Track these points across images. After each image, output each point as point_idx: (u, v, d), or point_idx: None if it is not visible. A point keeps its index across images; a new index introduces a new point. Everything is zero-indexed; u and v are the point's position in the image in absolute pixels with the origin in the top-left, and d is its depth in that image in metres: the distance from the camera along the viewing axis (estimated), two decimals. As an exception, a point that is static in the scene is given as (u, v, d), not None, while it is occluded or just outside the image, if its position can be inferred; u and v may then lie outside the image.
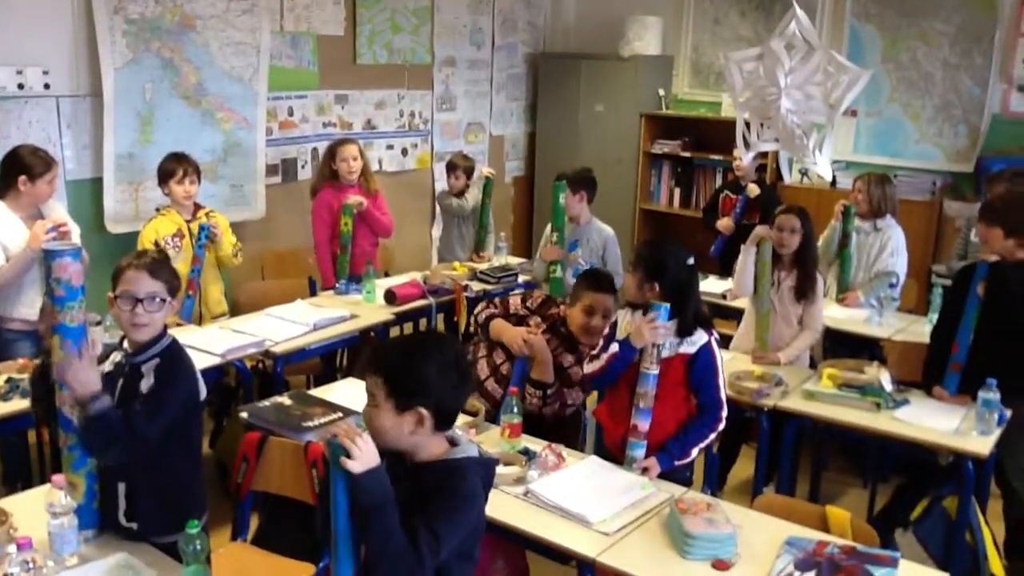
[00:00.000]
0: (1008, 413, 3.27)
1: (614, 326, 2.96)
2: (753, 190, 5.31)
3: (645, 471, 2.74)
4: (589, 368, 2.91)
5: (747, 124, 3.81)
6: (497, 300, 3.63)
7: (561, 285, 4.43)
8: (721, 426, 2.88)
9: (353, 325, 4.14)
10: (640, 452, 2.77)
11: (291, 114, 5.74)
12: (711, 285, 5.01)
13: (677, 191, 7.01)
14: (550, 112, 7.34)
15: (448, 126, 6.87)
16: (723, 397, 2.88)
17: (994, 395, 3.18)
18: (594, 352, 2.94)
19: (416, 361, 1.90)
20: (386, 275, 5.18)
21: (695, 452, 2.85)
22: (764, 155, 5.28)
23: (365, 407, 1.94)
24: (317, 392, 3.36)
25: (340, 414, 3.01)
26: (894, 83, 6.17)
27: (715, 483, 3.33)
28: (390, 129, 6.45)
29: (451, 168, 5.47)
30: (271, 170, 5.62)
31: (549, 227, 4.60)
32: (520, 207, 7.53)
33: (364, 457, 1.77)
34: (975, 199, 5.34)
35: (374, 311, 4.33)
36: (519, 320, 3.44)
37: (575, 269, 4.39)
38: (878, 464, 4.08)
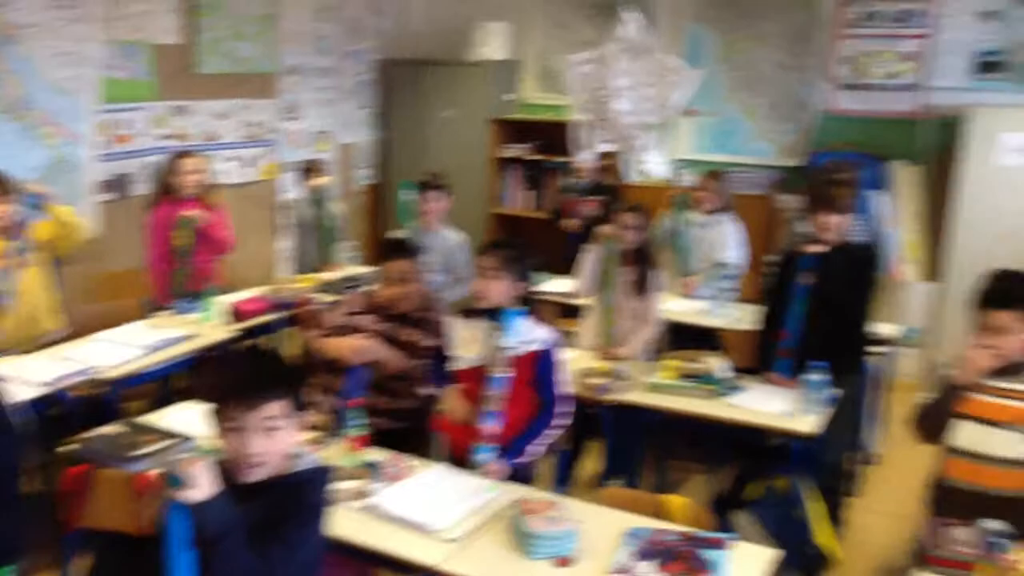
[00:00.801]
0: (834, 394, 3.46)
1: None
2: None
3: (492, 474, 2.75)
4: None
5: (584, 125, 3.89)
6: (318, 322, 3.56)
7: None
8: (567, 421, 2.92)
9: (193, 345, 4.00)
10: (487, 455, 2.78)
11: (126, 127, 5.50)
12: (558, 285, 5.10)
13: (527, 194, 7.10)
14: (400, 119, 7.31)
15: (295, 135, 6.73)
16: (566, 393, 2.93)
17: (819, 377, 3.35)
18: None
19: (300, 373, 1.87)
20: (230, 291, 5.02)
21: (541, 449, 2.88)
22: (608, 155, 5.40)
23: (261, 436, 1.86)
24: (151, 418, 3.23)
25: (173, 440, 2.90)
26: (731, 82, 6.43)
27: (564, 479, 3.38)
28: (233, 140, 6.27)
29: (307, 172, 5.39)
30: (105, 186, 5.36)
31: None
32: (372, 215, 7.47)
33: (204, 486, 1.70)
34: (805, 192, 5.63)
35: (214, 329, 4.20)
36: (356, 328, 3.38)
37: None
38: (717, 450, 4.23)
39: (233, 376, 1.95)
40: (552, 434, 2.91)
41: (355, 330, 3.33)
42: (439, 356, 3.04)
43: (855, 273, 3.58)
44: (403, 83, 7.23)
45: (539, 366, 2.87)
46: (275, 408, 1.87)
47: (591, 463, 4.19)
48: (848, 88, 6.08)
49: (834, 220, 3.62)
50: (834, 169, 4.87)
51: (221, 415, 1.87)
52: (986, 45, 5.66)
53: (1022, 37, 5.55)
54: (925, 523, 2.45)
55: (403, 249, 3.38)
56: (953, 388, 2.69)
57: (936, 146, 5.75)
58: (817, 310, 3.59)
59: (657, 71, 3.62)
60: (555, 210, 5.90)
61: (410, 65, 7.22)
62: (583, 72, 3.66)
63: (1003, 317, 2.58)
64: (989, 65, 5.68)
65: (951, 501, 2.67)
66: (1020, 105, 5.51)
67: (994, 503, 2.57)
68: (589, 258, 4.08)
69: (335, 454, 2.91)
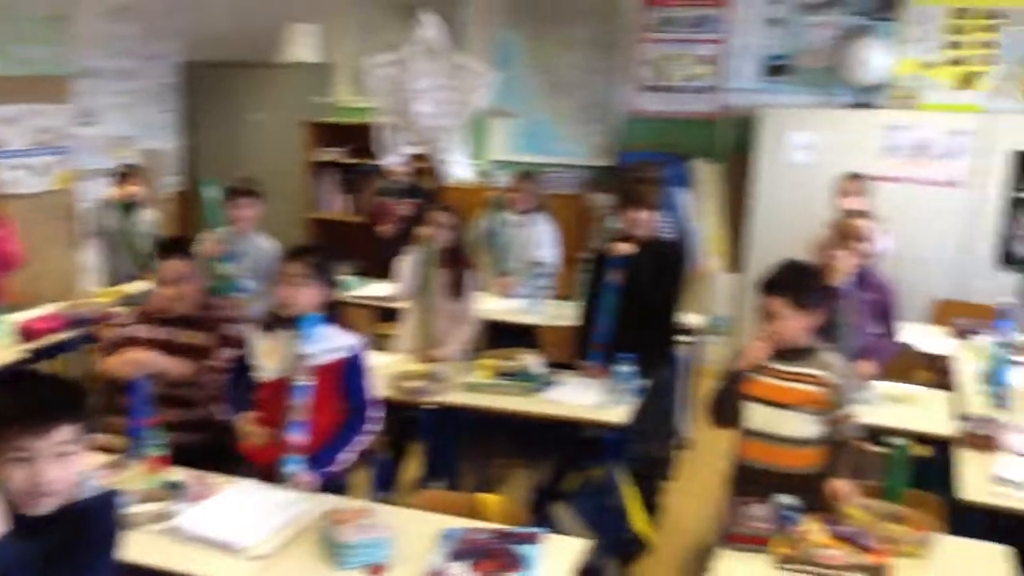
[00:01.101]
0: (642, 384, 3.58)
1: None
2: None
3: (302, 486, 2.68)
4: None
5: (387, 128, 3.87)
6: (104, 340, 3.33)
7: (227, 288, 4.25)
8: (377, 427, 2.88)
9: (-23, 368, 3.69)
10: (296, 467, 2.70)
11: None
12: (376, 289, 5.06)
13: (345, 198, 7.00)
14: (207, 123, 7.03)
15: (92, 141, 6.34)
16: (376, 399, 2.89)
17: (627, 368, 3.47)
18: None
19: (86, 393, 1.75)
20: (23, 309, 4.67)
21: (352, 457, 2.83)
22: (421, 157, 5.40)
23: (54, 464, 1.72)
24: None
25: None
26: (541, 85, 6.57)
27: (383, 486, 3.34)
28: (22, 147, 5.84)
29: (122, 177, 5.17)
30: None
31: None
32: (182, 223, 7.14)
33: None
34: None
35: (1, 351, 3.89)
36: (131, 341, 3.18)
37: (235, 283, 4.23)
38: (538, 445, 4.30)
39: (17, 402, 1.80)
40: (362, 441, 2.86)
41: (131, 343, 3.13)
42: (240, 368, 2.91)
43: (663, 268, 3.72)
44: (210, 86, 6.95)
45: (346, 373, 2.82)
46: (66, 433, 1.75)
47: (413, 467, 4.17)
48: (651, 90, 6.34)
49: (642, 216, 3.76)
50: (641, 168, 5.07)
51: (5, 445, 1.73)
52: (774, 50, 6.05)
53: (804, 43, 5.96)
54: (725, 503, 2.57)
55: (177, 248, 3.20)
56: (734, 375, 2.84)
57: (733, 145, 6.08)
58: (628, 305, 3.71)
59: (455, 73, 3.64)
60: (371, 214, 5.84)
61: (216, 67, 6.95)
62: (384, 74, 3.63)
63: (774, 303, 2.76)
64: (777, 68, 6.07)
65: (750, 480, 2.82)
66: (805, 106, 5.92)
67: (787, 480, 2.73)
68: (407, 261, 4.06)
69: (134, 476, 2.76)
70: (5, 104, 5.67)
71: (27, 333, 4.04)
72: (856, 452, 2.80)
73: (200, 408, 3.12)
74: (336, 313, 2.88)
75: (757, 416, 2.84)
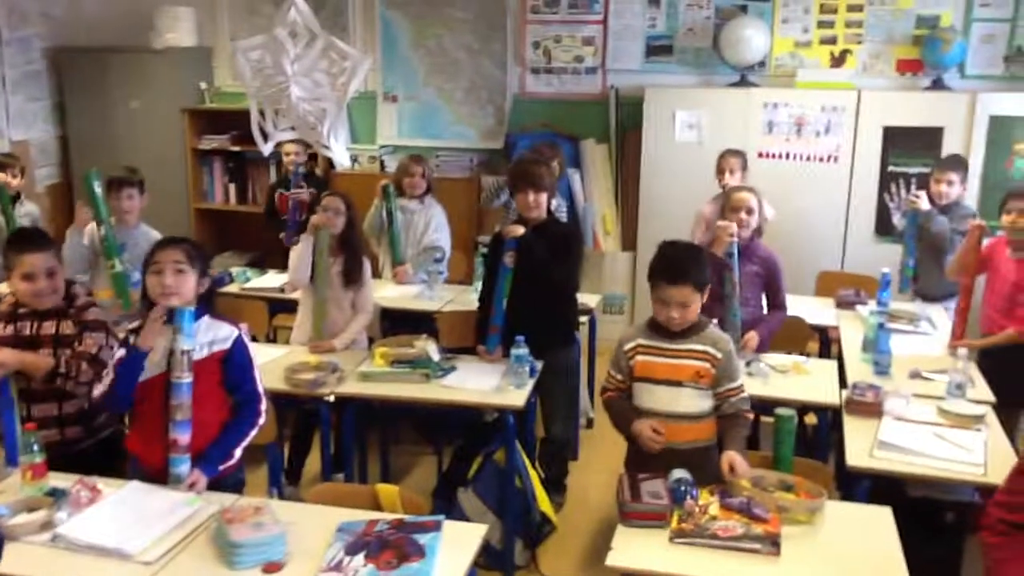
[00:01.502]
0: (539, 365, 3.60)
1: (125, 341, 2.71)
2: None
3: (192, 486, 2.59)
4: (96, 392, 2.66)
5: (262, 114, 3.75)
6: None
7: (124, 280, 4.08)
8: (262, 419, 2.80)
9: None
10: (184, 467, 2.61)
11: None
12: (269, 280, 4.95)
13: (232, 187, 6.79)
14: (81, 112, 6.70)
15: (-46, 133, 5.99)
16: (261, 390, 2.81)
17: (523, 350, 3.47)
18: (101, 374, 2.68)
19: None
20: None
21: (239, 452, 2.75)
22: (301, 143, 5.27)
23: None
24: None
25: None
26: (427, 68, 6.51)
27: (279, 481, 3.26)
28: None
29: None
30: None
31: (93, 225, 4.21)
32: (61, 217, 6.82)
33: None
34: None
35: None
36: (8, 340, 2.98)
37: (129, 273, 4.07)
38: (442, 431, 4.29)
39: None
40: (249, 435, 2.77)
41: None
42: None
43: (558, 249, 3.73)
44: (82, 73, 6.63)
45: (227, 366, 2.73)
46: None
47: (313, 460, 4.10)
48: (538, 72, 6.35)
49: (536, 198, 3.75)
50: (535, 150, 5.07)
51: None
52: (656, 30, 6.13)
53: (684, 23, 6.06)
54: (622, 481, 2.59)
55: (34, 240, 3.03)
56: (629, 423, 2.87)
57: (621, 125, 6.15)
58: (525, 287, 3.71)
59: (329, 56, 3.55)
60: (268, 207, 5.68)
61: (88, 53, 6.63)
62: (254, 58, 3.51)
63: (683, 292, 2.77)
64: (658, 49, 6.16)
65: (647, 458, 2.83)
66: (688, 86, 6.03)
67: (683, 455, 2.77)
68: (299, 250, 3.95)
69: (12, 485, 2.62)
70: None
71: None
72: (746, 423, 2.87)
73: (78, 400, 2.98)
74: (211, 305, 2.77)
75: (651, 395, 2.87)
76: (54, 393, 2.96)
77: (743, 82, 5.84)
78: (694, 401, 2.86)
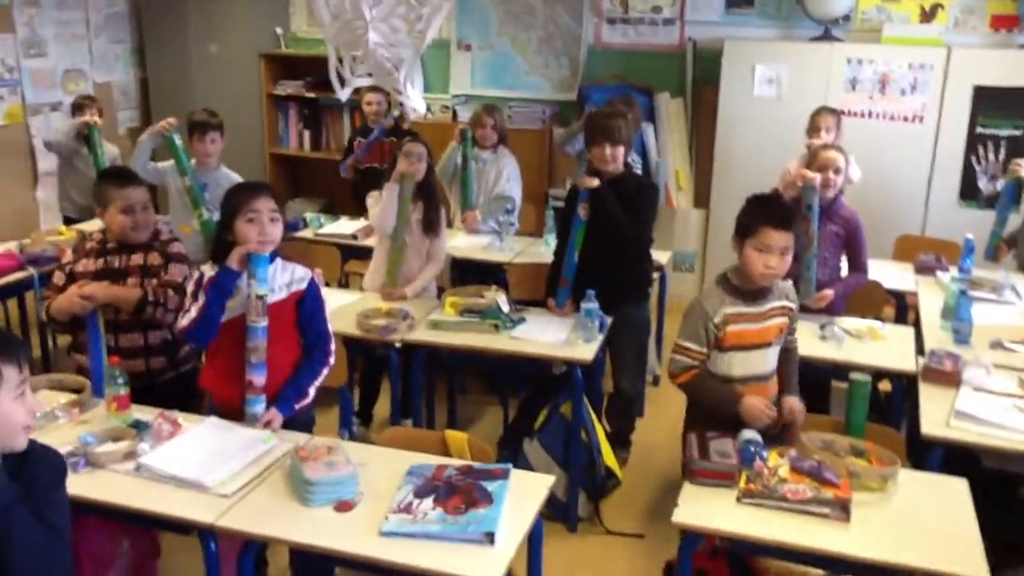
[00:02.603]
0: (608, 320, 3.59)
1: (199, 280, 2.75)
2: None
3: (268, 425, 2.66)
4: (183, 322, 2.72)
5: (340, 60, 3.75)
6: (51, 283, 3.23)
7: (211, 227, 4.15)
8: (333, 360, 2.85)
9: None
10: (259, 407, 2.67)
11: None
12: (342, 226, 5.00)
13: (307, 133, 6.86)
14: (160, 55, 6.81)
15: (40, 74, 6.14)
16: (330, 331, 2.86)
17: (593, 305, 3.46)
18: (185, 307, 2.75)
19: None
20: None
21: (312, 391, 2.81)
22: (378, 90, 5.26)
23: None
24: None
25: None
26: (501, 17, 6.44)
27: (349, 423, 3.32)
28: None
29: (78, 108, 5.08)
30: None
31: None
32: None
33: None
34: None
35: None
36: (76, 277, 3.11)
37: (214, 220, 4.14)
38: (508, 382, 4.32)
39: None
40: (322, 374, 2.83)
41: (79, 278, 3.08)
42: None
43: (633, 204, 3.67)
44: (161, 16, 6.72)
45: (301, 307, 2.78)
46: (13, 376, 1.73)
47: (383, 405, 4.17)
48: (614, 22, 6.24)
49: (612, 152, 3.69)
50: (611, 103, 4.97)
51: None
52: (738, -19, 5.97)
53: (771, -27, 5.88)
54: (688, 439, 2.58)
55: (131, 176, 3.18)
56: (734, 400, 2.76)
57: (697, 78, 6.02)
58: (598, 241, 3.69)
59: (406, 2, 3.50)
60: (352, 153, 5.64)
61: (168, -4, 6.72)
62: (334, 3, 3.49)
63: (787, 238, 2.69)
64: (740, 0, 5.99)
65: (707, 415, 2.81)
66: (769, 39, 5.86)
67: None
68: (386, 197, 3.93)
69: (98, 416, 2.72)
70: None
71: (-22, 273, 3.95)
72: (796, 355, 2.94)
73: (162, 331, 3.12)
74: (280, 248, 2.82)
75: (742, 362, 2.80)
76: (140, 324, 3.08)
77: (826, 36, 5.66)
78: (773, 358, 2.85)
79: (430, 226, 3.97)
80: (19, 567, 1.70)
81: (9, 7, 5.84)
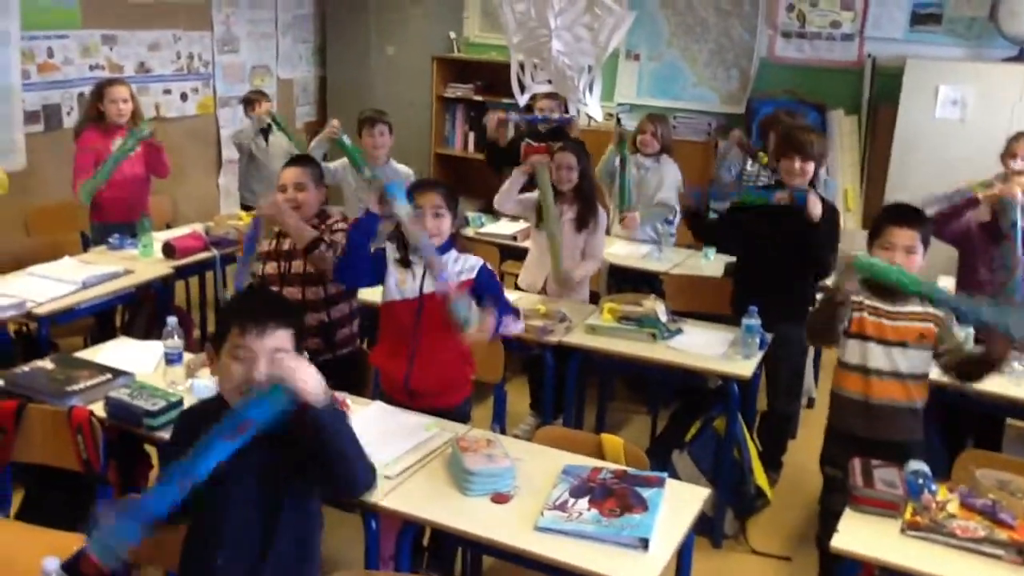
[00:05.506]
0: (768, 337, 3.52)
1: None
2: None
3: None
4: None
5: (521, 66, 3.83)
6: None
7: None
8: (523, 322, 2.94)
9: (128, 281, 3.90)
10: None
11: (51, 56, 5.29)
12: (502, 227, 5.10)
13: (471, 135, 7.03)
14: (341, 55, 7.15)
15: (231, 69, 6.55)
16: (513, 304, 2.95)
17: (755, 321, 3.40)
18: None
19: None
20: (168, 227, 4.91)
21: (512, 322, 2.91)
22: (554, 96, 5.33)
23: (271, 364, 1.94)
24: (85, 354, 3.15)
25: (109, 376, 2.84)
26: (672, 28, 6.42)
27: (502, 419, 3.39)
28: (167, 72, 6.08)
29: (249, 103, 5.34)
30: (31, 117, 5.18)
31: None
32: (313, 154, 7.33)
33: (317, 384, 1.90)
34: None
35: (150, 266, 4.10)
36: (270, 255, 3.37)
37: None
38: (658, 392, 4.30)
39: (246, 305, 2.11)
40: (517, 319, 2.94)
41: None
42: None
43: (818, 227, 3.58)
44: (344, 18, 7.06)
45: (479, 289, 2.83)
46: (284, 338, 1.98)
47: (522, 403, 4.24)
48: (789, 36, 6.11)
49: (803, 166, 3.60)
50: (792, 115, 4.85)
51: (231, 343, 1.97)
52: (924, -2, 5.73)
53: (958, -10, 5.62)
54: (852, 465, 2.51)
55: (295, 160, 3.43)
56: (831, 298, 2.77)
57: (874, 96, 5.82)
58: (780, 257, 3.63)
59: (593, 11, 3.55)
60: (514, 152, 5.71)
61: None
62: (520, 10, 3.58)
63: (910, 235, 2.70)
64: (926, 17, 5.75)
65: (844, 410, 2.85)
66: (955, 58, 5.60)
67: (880, 412, 2.76)
68: (509, 183, 4.05)
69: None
70: (151, 29, 5.88)
71: (170, 251, 4.24)
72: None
73: (318, 313, 3.28)
74: (456, 241, 2.94)
75: (862, 352, 2.79)
76: (302, 280, 3.27)
77: (1021, 57, 5.35)
78: (913, 362, 2.76)
79: (584, 224, 4.00)
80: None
81: (207, 7, 6.25)
